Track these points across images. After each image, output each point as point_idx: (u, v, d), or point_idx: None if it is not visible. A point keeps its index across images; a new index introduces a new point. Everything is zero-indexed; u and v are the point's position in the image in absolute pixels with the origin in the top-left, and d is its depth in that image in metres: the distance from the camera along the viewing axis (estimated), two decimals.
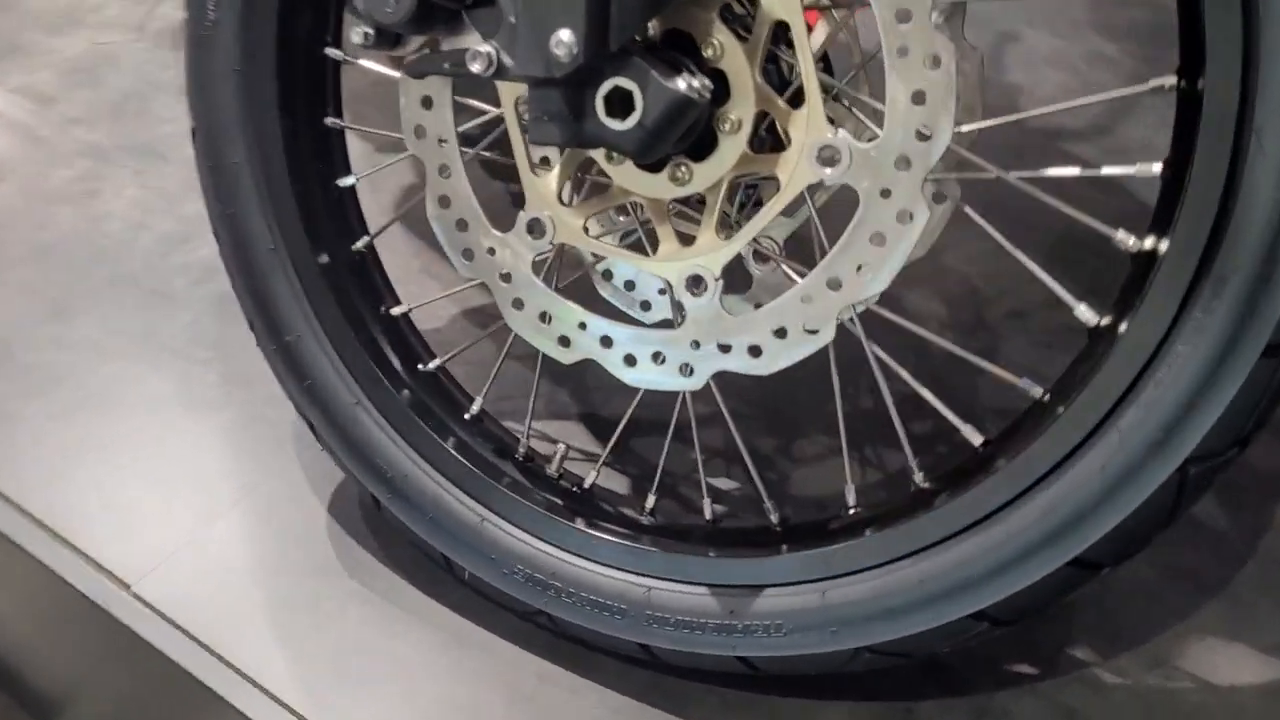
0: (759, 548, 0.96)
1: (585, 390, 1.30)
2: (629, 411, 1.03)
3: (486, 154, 0.98)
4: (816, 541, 0.93)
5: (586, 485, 1.05)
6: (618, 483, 1.18)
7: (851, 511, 0.95)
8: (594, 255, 1.10)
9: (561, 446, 1.06)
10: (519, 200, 0.91)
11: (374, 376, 1.03)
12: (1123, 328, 0.78)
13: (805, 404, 1.26)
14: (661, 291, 1.11)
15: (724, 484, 1.19)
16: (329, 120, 1.02)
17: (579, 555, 0.98)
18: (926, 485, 0.91)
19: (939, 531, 0.87)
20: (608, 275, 1.13)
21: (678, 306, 0.88)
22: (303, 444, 1.21)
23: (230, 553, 1.12)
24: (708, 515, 1.02)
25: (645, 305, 1.14)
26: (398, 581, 1.10)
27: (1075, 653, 1.04)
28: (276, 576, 1.11)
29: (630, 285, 1.13)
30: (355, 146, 1.07)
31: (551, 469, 1.06)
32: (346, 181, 1.04)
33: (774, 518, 0.99)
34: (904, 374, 0.91)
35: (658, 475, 1.02)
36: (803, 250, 1.07)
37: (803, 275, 0.84)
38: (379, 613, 1.07)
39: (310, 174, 1.01)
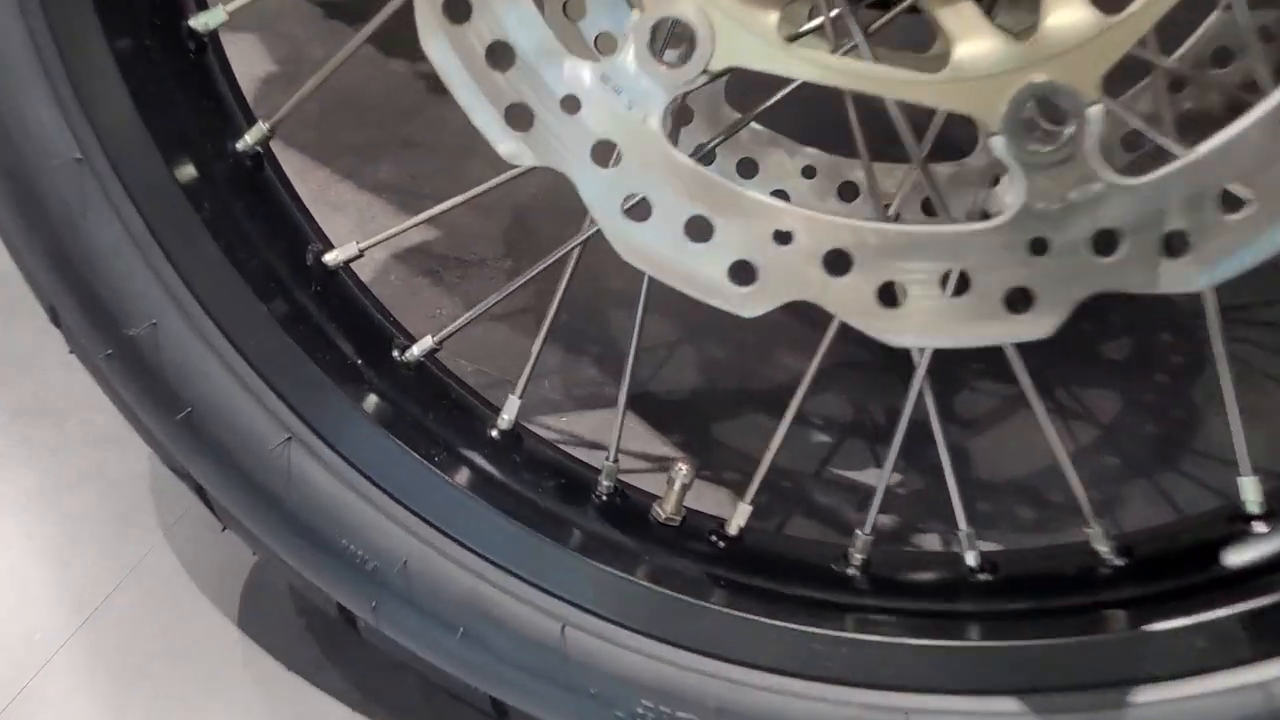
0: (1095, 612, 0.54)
1: (611, 353, 0.82)
2: (806, 381, 0.56)
3: None
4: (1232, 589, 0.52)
5: (732, 532, 0.59)
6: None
7: (1260, 524, 0.53)
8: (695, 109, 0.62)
9: (682, 470, 0.58)
10: None
11: (315, 382, 0.58)
12: None
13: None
14: (809, 172, 0.64)
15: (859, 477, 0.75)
16: None
17: (758, 667, 0.56)
18: None
19: None
20: (709, 157, 0.65)
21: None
22: (171, 507, 0.72)
23: None
24: (971, 561, 0.57)
25: (779, 195, 0.67)
26: None
27: None
28: None
29: (750, 167, 0.65)
30: None
31: (666, 511, 0.59)
32: (208, 21, 0.57)
33: (1104, 547, 0.55)
34: None
35: (875, 505, 0.56)
36: None
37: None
38: None
39: (139, 13, 0.56)
